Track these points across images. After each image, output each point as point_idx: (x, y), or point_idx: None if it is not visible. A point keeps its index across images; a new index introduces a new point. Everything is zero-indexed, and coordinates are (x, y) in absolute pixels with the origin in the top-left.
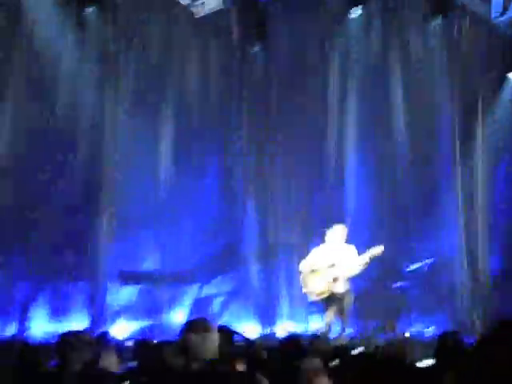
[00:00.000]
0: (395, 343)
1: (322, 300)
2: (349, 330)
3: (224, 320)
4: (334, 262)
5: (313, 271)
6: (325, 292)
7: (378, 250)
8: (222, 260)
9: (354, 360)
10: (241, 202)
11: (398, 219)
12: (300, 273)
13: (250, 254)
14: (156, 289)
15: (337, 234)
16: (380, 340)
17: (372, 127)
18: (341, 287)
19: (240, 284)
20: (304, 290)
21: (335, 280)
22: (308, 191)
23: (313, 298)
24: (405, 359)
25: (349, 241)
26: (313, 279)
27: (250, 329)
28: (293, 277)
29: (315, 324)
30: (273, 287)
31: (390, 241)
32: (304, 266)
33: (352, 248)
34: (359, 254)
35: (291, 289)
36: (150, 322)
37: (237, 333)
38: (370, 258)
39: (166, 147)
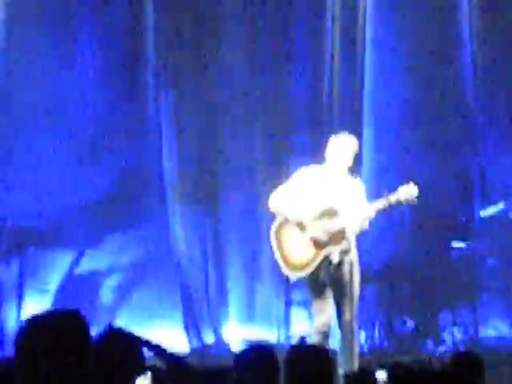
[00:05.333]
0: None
1: (311, 279)
2: (362, 337)
3: (122, 319)
4: (335, 205)
5: (290, 224)
6: (313, 261)
7: (407, 191)
8: (120, 203)
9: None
10: (152, 95)
11: (456, 134)
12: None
13: (173, 193)
14: None
15: (338, 149)
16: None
17: None
18: (353, 251)
19: (153, 250)
20: (277, 257)
21: (338, 239)
22: (276, 69)
23: (292, 273)
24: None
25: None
26: (293, 236)
27: (172, 336)
28: (255, 235)
29: (298, 327)
30: (217, 257)
31: (443, 168)
32: (277, 207)
33: (359, 184)
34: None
35: (251, 260)
36: None
37: (148, 344)
38: (394, 203)
39: None
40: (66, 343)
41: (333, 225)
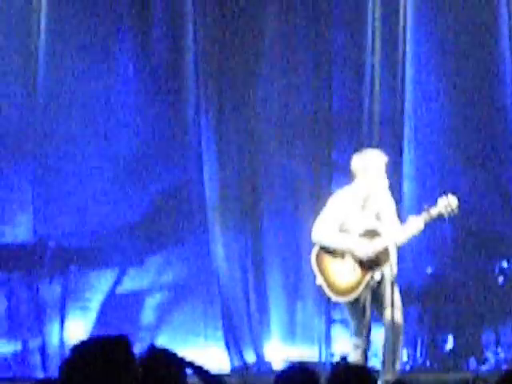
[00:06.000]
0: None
1: (352, 302)
2: (404, 356)
3: (163, 338)
4: (375, 225)
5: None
6: (360, 284)
7: (447, 203)
8: (161, 223)
9: None
10: (193, 116)
11: (498, 149)
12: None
13: (214, 212)
14: (33, 277)
15: (371, 168)
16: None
17: None
18: (393, 270)
19: (195, 270)
20: (319, 282)
21: (383, 258)
22: (317, 87)
23: (340, 298)
24: None
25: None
26: (336, 261)
27: (213, 355)
28: (295, 254)
29: (339, 345)
30: (258, 276)
31: (485, 185)
32: (320, 232)
33: (390, 200)
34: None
35: (291, 278)
36: (18, 345)
37: (189, 363)
38: (436, 216)
39: None
40: (111, 369)
41: (376, 245)
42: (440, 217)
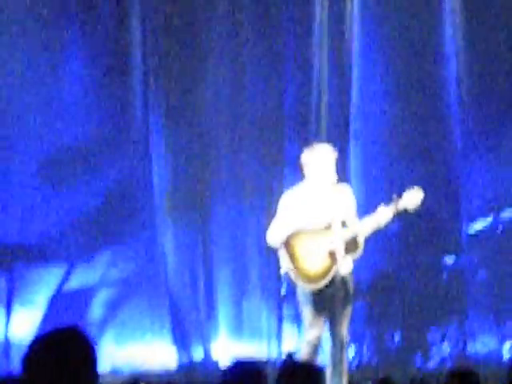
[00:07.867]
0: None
1: (315, 291)
2: (351, 352)
3: (110, 334)
4: (327, 218)
5: (304, 234)
6: (330, 271)
7: (412, 196)
8: (109, 219)
9: None
10: (141, 112)
11: (442, 146)
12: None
13: (163, 208)
14: None
15: (320, 162)
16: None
17: None
18: (348, 265)
19: (142, 266)
20: (286, 269)
21: (337, 253)
22: (267, 85)
23: (305, 282)
24: None
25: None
26: (308, 249)
27: (160, 351)
28: (245, 249)
29: (289, 342)
30: (207, 272)
31: (430, 181)
32: (270, 234)
33: (348, 190)
34: (373, 203)
35: (240, 274)
36: None
37: None
38: (401, 210)
39: None
40: (73, 359)
41: (334, 238)
42: (405, 210)
